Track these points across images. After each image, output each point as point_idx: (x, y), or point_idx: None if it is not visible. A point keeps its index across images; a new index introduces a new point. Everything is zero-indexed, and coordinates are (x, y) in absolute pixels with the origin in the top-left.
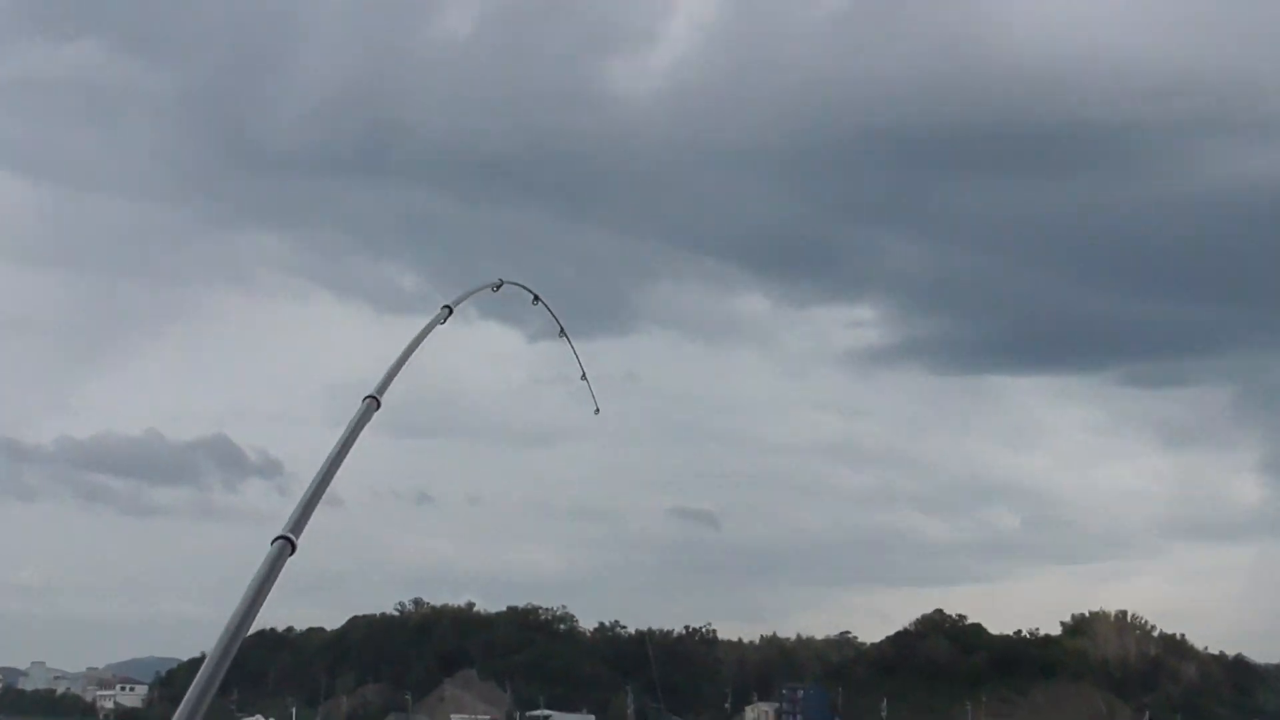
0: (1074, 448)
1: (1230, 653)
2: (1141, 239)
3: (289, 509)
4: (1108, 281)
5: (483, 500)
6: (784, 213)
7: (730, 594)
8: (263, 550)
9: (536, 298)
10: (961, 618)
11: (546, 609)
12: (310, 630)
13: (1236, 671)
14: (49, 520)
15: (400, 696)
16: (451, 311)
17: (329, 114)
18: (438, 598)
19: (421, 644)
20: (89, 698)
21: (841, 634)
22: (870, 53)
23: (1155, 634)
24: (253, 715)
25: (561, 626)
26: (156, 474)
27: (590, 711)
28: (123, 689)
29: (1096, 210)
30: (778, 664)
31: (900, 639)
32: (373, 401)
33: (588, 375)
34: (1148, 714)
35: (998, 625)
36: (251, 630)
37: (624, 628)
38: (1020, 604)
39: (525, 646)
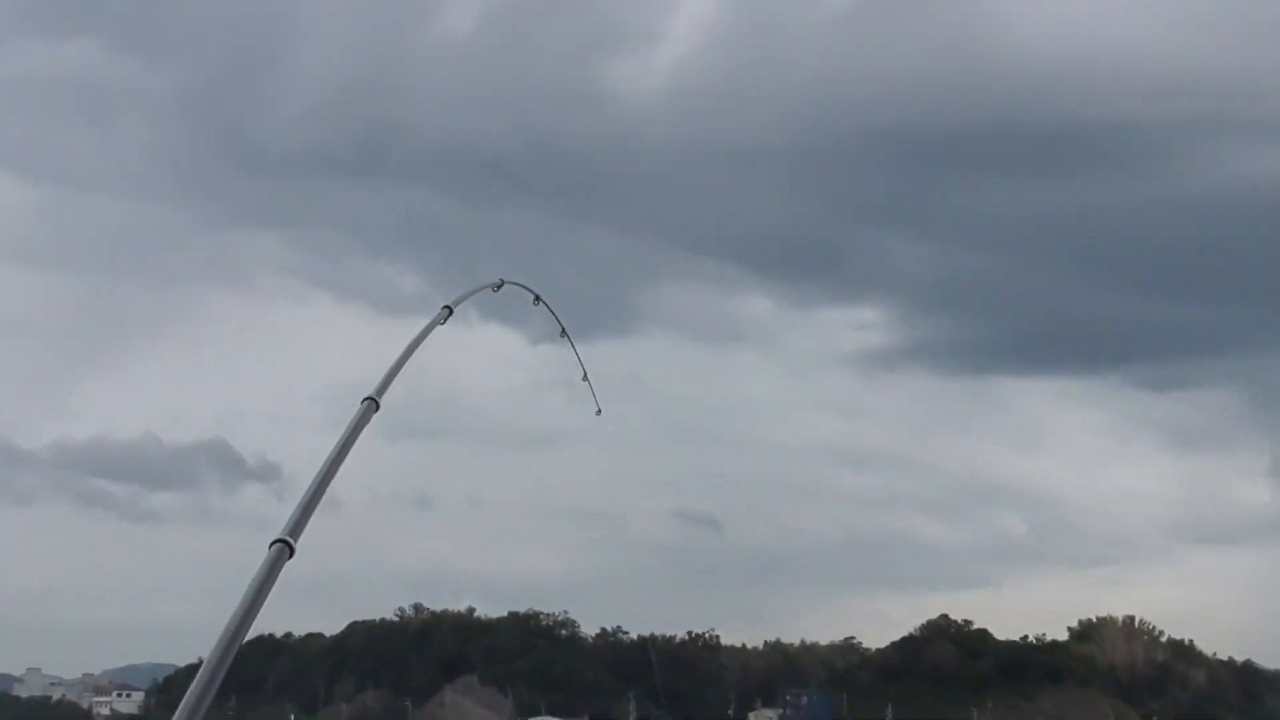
0: (1079, 450)
1: (1239, 658)
2: (1146, 239)
3: (287, 512)
4: (1113, 282)
5: (483, 503)
6: (786, 213)
7: (733, 598)
8: (261, 554)
9: (537, 298)
10: (967, 623)
11: (548, 614)
12: (309, 636)
13: (1246, 677)
14: (45, 524)
15: (400, 703)
16: (452, 312)
17: (329, 114)
18: (438, 602)
19: (422, 649)
20: (85, 704)
21: (846, 639)
22: (872, 52)
23: (1163, 639)
24: None
25: (563, 632)
26: (154, 477)
27: (592, 718)
28: (119, 695)
29: (1101, 210)
30: (781, 670)
31: (905, 644)
32: (372, 403)
33: (589, 376)
34: None
35: (1003, 630)
36: (249, 635)
37: (626, 633)
38: (1026, 609)
39: (527, 652)
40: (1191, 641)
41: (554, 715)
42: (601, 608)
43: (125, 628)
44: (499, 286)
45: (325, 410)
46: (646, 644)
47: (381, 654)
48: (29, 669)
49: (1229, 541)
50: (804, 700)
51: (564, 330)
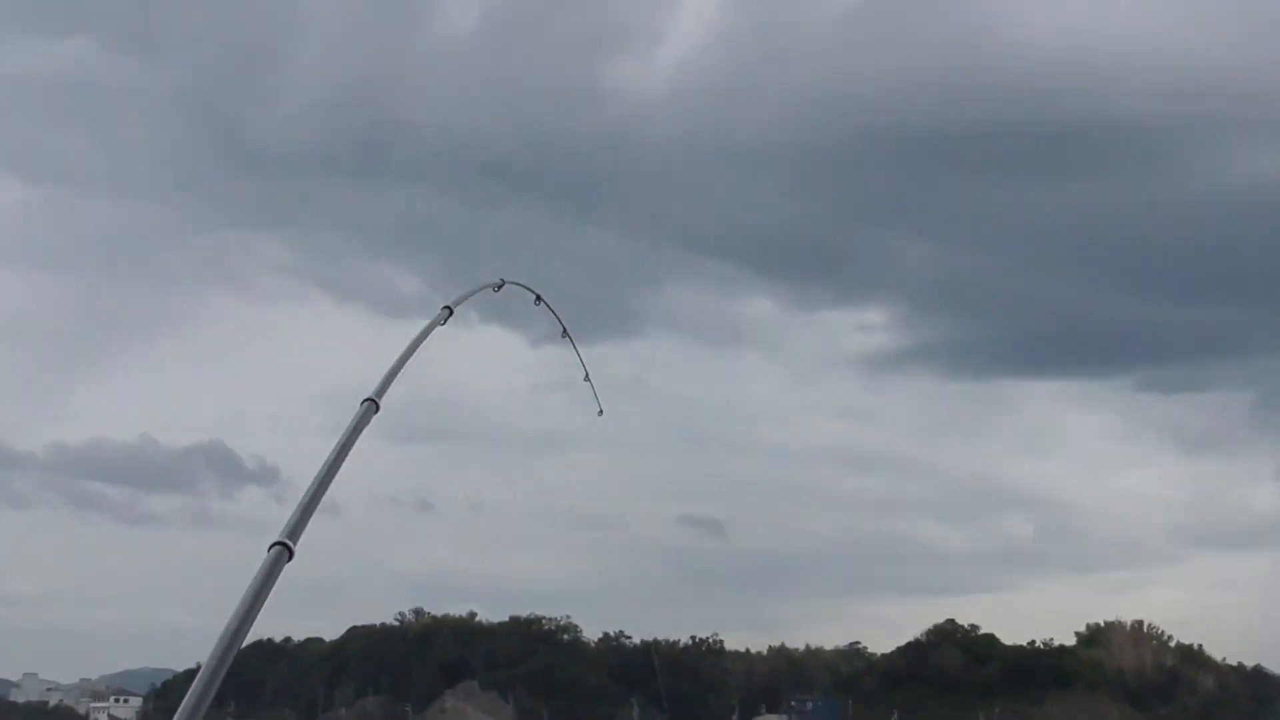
0: (1088, 454)
1: (1249, 663)
2: (1148, 240)
3: (286, 515)
4: (1116, 283)
5: (485, 507)
6: (791, 214)
7: (737, 603)
8: (259, 557)
9: (539, 298)
10: (974, 628)
11: (550, 619)
12: (308, 640)
13: (1255, 682)
14: (41, 528)
15: (400, 708)
16: (452, 312)
17: (328, 113)
18: (439, 607)
19: (422, 654)
20: (82, 710)
21: (851, 644)
22: (874, 52)
23: (1172, 644)
24: None
25: (565, 637)
26: (151, 481)
27: None
28: (117, 701)
29: (1104, 211)
30: (786, 675)
31: (911, 649)
32: (371, 404)
33: (590, 376)
34: None
35: (1011, 635)
36: (248, 640)
37: (629, 638)
38: (1034, 613)
39: (528, 657)
40: (1200, 646)
41: None
42: (604, 612)
43: (123, 632)
44: (500, 287)
45: (324, 412)
46: (649, 649)
47: (381, 659)
48: (26, 674)
49: (1237, 545)
50: (809, 706)
51: (565, 329)
